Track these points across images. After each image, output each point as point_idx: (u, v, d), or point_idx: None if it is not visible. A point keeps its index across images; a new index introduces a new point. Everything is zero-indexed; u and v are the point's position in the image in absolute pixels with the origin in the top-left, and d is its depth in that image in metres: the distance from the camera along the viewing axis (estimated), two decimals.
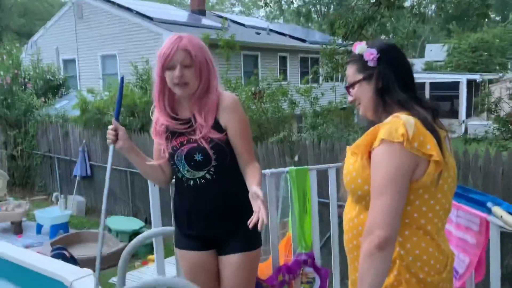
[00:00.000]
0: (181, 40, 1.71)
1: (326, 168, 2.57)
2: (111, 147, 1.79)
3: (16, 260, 3.29)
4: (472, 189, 1.99)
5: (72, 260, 4.88)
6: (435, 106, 1.45)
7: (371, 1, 8.27)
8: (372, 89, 1.43)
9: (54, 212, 7.15)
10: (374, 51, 1.42)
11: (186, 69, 1.70)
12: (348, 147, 1.51)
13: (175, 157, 1.78)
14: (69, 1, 14.18)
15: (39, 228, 7.02)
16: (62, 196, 7.94)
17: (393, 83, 1.40)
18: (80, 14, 13.51)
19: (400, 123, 1.28)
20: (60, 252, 5.00)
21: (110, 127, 1.77)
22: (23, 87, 10.00)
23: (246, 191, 1.68)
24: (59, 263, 3.29)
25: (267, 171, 2.31)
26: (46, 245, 5.99)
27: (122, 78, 1.96)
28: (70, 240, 6.20)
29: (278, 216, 2.47)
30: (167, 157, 1.81)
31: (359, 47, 1.45)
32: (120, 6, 13.11)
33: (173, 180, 1.90)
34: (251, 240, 1.81)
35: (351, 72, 1.48)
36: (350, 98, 1.52)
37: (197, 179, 1.76)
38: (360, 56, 1.44)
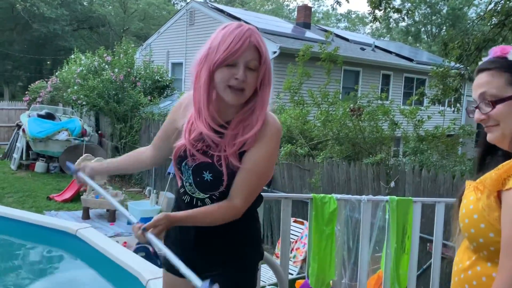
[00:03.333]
0: (252, 33, 1.35)
1: (433, 202, 2.24)
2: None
3: (101, 249, 3.38)
4: None
5: (155, 257, 4.98)
6: None
7: (493, 22, 7.56)
8: None
9: (145, 205, 7.46)
10: None
11: (249, 72, 1.35)
12: (468, 181, 1.21)
13: (182, 163, 1.46)
14: (183, 9, 15.02)
15: None
16: (154, 191, 8.29)
17: None
18: (192, 21, 14.22)
19: None
20: (145, 246, 5.13)
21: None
22: (133, 85, 10.70)
23: (248, 230, 1.46)
24: (141, 260, 3.33)
25: (363, 197, 2.06)
26: (133, 235, 6.21)
27: None
28: None
29: (371, 249, 2.19)
30: (172, 155, 1.50)
31: None
32: (229, 14, 13.56)
33: None
34: (232, 285, 1.46)
35: (497, 83, 1.14)
36: (480, 116, 1.17)
37: (195, 199, 1.47)
38: None
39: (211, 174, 1.41)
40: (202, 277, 1.53)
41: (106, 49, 12.00)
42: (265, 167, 1.42)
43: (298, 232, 5.49)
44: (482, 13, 8.17)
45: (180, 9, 16.38)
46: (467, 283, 1.13)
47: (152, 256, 4.84)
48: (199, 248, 1.48)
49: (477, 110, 1.17)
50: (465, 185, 1.22)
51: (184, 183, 1.48)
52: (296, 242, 5.49)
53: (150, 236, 1.33)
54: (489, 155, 1.25)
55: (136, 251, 4.71)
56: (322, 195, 2.07)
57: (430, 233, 3.35)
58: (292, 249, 5.51)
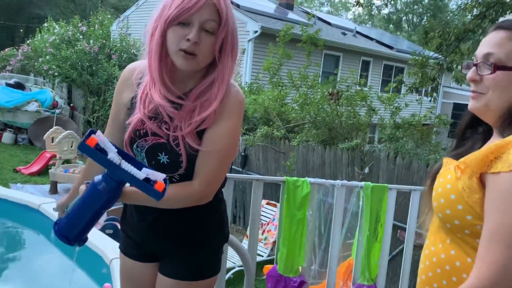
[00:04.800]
0: None
1: (409, 190, 2.19)
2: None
3: None
4: None
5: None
6: None
7: (474, 13, 7.59)
8: None
9: None
10: None
11: (205, 34, 1.18)
12: (446, 158, 1.12)
13: (134, 145, 1.30)
14: None
15: None
16: None
17: None
18: None
19: None
20: (113, 224, 5.01)
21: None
22: (108, 57, 10.36)
23: (211, 212, 1.34)
24: (107, 238, 3.21)
25: (338, 182, 1.99)
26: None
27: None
28: None
29: (342, 235, 2.14)
30: (125, 135, 1.31)
31: None
32: None
33: None
34: (193, 269, 1.37)
35: (509, 49, 1.02)
36: (475, 76, 1.06)
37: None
38: None
39: (167, 156, 1.26)
40: (162, 262, 1.43)
41: (82, 19, 11.55)
42: (228, 147, 1.27)
43: (271, 214, 5.45)
44: (462, 5, 8.20)
45: None
46: (440, 268, 1.05)
47: (119, 232, 4.72)
48: (158, 233, 1.37)
49: (474, 68, 1.06)
50: (442, 162, 1.14)
51: None
52: (268, 224, 5.45)
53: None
54: (469, 130, 1.17)
55: (104, 228, 4.58)
56: (295, 178, 2.00)
57: (402, 221, 3.35)
58: (264, 231, 5.48)
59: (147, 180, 1.11)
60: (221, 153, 1.25)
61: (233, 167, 6.91)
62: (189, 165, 1.26)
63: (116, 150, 1.10)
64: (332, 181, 2.04)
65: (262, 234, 5.47)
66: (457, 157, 1.11)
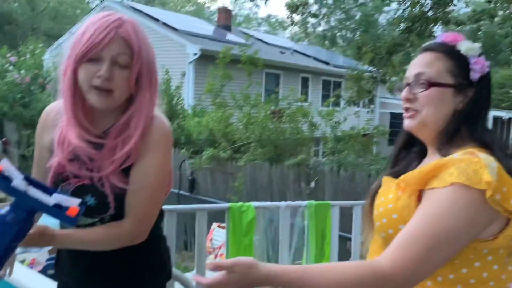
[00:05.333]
0: (123, 23, 1.14)
1: (350, 205, 2.24)
2: None
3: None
4: None
5: None
6: (508, 146, 1.09)
7: (401, 28, 8.06)
8: (453, 106, 1.06)
9: None
10: (488, 63, 1.07)
11: (118, 69, 1.14)
12: (386, 178, 1.15)
13: (58, 190, 1.21)
14: (98, 7, 14.29)
15: None
16: None
17: (482, 113, 1.06)
18: None
19: (480, 164, 0.94)
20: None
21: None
22: (42, 87, 9.93)
23: (149, 252, 1.29)
24: (44, 281, 3.01)
25: (282, 203, 2.00)
26: (44, 251, 5.73)
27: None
28: None
29: (291, 257, 2.14)
30: (48, 179, 1.23)
31: (469, 46, 1.07)
32: (147, 15, 13.12)
33: None
34: None
35: (438, 67, 1.07)
36: (408, 95, 1.09)
37: (83, 226, 1.23)
38: (462, 57, 1.06)
39: (94, 198, 1.18)
40: None
41: (12, 49, 11.03)
42: (157, 182, 1.21)
43: (222, 237, 5.39)
44: (391, 20, 8.68)
45: (94, 8, 15.57)
46: None
47: None
48: (94, 278, 1.29)
49: (407, 88, 1.10)
50: (381, 181, 1.18)
51: None
52: (220, 247, 5.38)
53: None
54: (405, 150, 1.21)
55: (45, 269, 4.31)
56: (239, 204, 1.98)
57: (350, 231, 3.42)
58: (216, 256, 5.40)
59: (58, 206, 1.05)
60: (150, 189, 1.20)
61: (181, 192, 6.80)
62: (118, 204, 1.19)
63: (22, 176, 1.04)
64: (276, 203, 2.05)
65: (215, 258, 5.39)
66: (395, 175, 1.14)
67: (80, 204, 1.07)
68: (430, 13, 7.66)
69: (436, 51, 1.09)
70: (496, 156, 0.99)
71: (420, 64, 1.10)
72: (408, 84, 1.10)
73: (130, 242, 1.22)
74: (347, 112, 7.52)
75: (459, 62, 1.07)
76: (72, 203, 1.06)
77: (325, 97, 14.26)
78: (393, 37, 8.21)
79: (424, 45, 1.14)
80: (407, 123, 1.12)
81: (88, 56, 1.12)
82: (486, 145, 1.02)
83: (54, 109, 1.29)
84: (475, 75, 1.06)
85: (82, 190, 1.20)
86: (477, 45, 1.08)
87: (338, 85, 14.88)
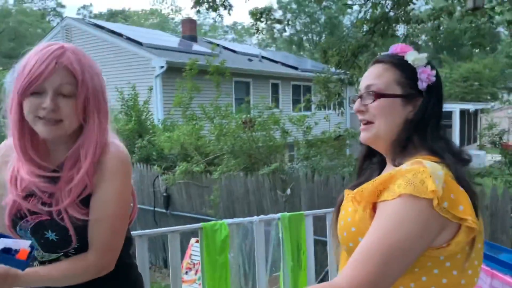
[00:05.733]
0: (64, 52, 1.12)
1: (324, 213, 2.24)
2: None
3: None
4: (500, 247, 1.65)
5: None
6: (464, 152, 1.09)
7: (364, 29, 8.20)
8: (404, 116, 1.07)
9: None
10: (433, 73, 1.08)
11: (63, 99, 1.12)
12: (347, 190, 1.16)
13: (17, 228, 1.19)
14: (58, 26, 14.01)
15: None
16: None
17: (433, 122, 1.07)
18: (69, 39, 13.28)
19: (426, 173, 0.94)
20: None
21: None
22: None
23: (121, 282, 1.26)
24: None
25: (255, 218, 1.97)
26: None
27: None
28: None
29: (268, 271, 2.11)
30: (5, 223, 1.19)
31: (415, 57, 1.09)
32: (110, 31, 12.94)
33: None
34: None
35: (386, 78, 1.09)
36: (360, 106, 1.11)
37: (47, 263, 1.21)
38: (410, 67, 1.08)
39: (55, 233, 1.16)
40: None
41: None
42: (118, 210, 1.18)
43: None
44: (355, 21, 8.83)
45: (55, 27, 15.26)
46: None
47: None
48: None
49: (358, 100, 1.12)
50: (344, 194, 1.18)
51: None
52: (199, 263, 5.31)
53: None
54: (367, 160, 1.22)
55: None
56: (212, 222, 1.95)
57: (326, 235, 3.42)
58: (197, 271, 5.32)
59: (7, 250, 1.01)
60: (111, 219, 1.17)
61: (156, 209, 6.67)
62: (80, 237, 1.16)
63: None
64: (250, 218, 2.02)
65: (196, 274, 5.31)
66: (356, 188, 1.14)
67: (31, 246, 1.03)
68: (391, 13, 7.84)
69: (385, 63, 1.11)
70: (446, 163, 1.00)
71: (371, 76, 1.12)
72: (360, 96, 1.12)
73: (97, 274, 1.18)
74: (317, 117, 7.57)
75: (407, 72, 1.09)
76: (22, 246, 1.02)
77: (295, 102, 14.37)
78: (357, 39, 8.35)
79: (374, 58, 1.16)
80: (362, 136, 1.14)
81: (31, 89, 1.09)
82: (436, 153, 1.03)
83: (5, 145, 1.25)
84: (422, 85, 1.07)
85: (41, 226, 1.16)
86: (424, 55, 1.09)
87: (308, 89, 15.01)
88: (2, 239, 1.02)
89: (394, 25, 8.01)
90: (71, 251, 1.19)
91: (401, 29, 9.33)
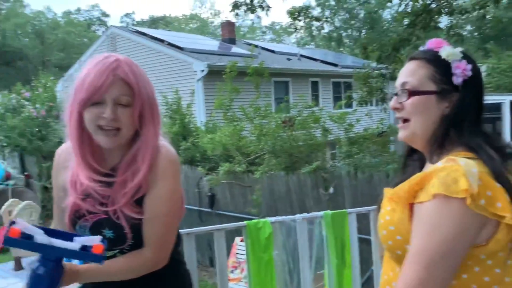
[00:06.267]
0: (119, 65, 1.20)
1: (367, 211, 2.23)
2: None
3: None
4: None
5: None
6: (506, 146, 1.07)
7: (405, 23, 8.00)
8: (440, 113, 1.06)
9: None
10: (470, 67, 1.07)
11: (121, 109, 1.20)
12: (386, 189, 1.15)
13: (77, 226, 1.29)
14: (104, 35, 14.58)
15: None
16: None
17: (470, 117, 1.06)
18: (114, 47, 13.80)
19: (460, 172, 0.93)
20: None
21: None
22: (57, 118, 10.15)
23: (169, 278, 1.33)
24: None
25: (298, 216, 2.00)
26: None
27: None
28: None
29: (312, 268, 2.14)
30: (65, 222, 1.30)
31: (449, 51, 1.07)
32: (152, 37, 13.32)
33: None
34: None
35: (420, 75, 1.09)
36: (395, 104, 1.12)
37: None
38: (444, 62, 1.07)
39: (111, 231, 1.25)
40: None
41: (26, 83, 11.33)
42: (171, 209, 1.27)
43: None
44: (395, 15, 8.63)
45: (100, 36, 15.89)
46: None
47: None
48: None
49: (394, 97, 1.13)
50: (384, 192, 1.19)
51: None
52: (245, 262, 5.38)
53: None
54: (410, 157, 1.22)
55: None
56: (255, 220, 2.00)
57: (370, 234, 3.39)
58: (243, 270, 5.39)
59: (84, 248, 1.09)
60: (165, 216, 1.25)
61: (201, 209, 6.83)
62: (135, 234, 1.25)
63: (42, 231, 1.09)
64: (292, 217, 2.05)
65: (241, 272, 5.38)
66: (398, 185, 1.15)
67: (102, 240, 1.12)
68: (433, 5, 7.61)
69: (419, 59, 1.11)
70: (483, 160, 0.99)
71: (405, 73, 1.12)
72: (396, 94, 1.13)
73: (153, 269, 1.27)
74: (358, 114, 7.47)
75: (441, 68, 1.08)
76: (95, 241, 1.11)
77: (336, 99, 14.23)
78: (398, 32, 8.16)
79: (410, 54, 1.16)
80: (400, 134, 1.14)
81: (92, 100, 1.19)
82: (472, 149, 1.02)
83: (64, 150, 1.35)
84: (457, 80, 1.06)
85: (99, 224, 1.26)
86: (458, 49, 1.08)
87: (348, 86, 14.82)
88: (76, 238, 1.11)
89: (436, 17, 7.76)
90: (126, 248, 1.27)
91: (444, 21, 9.04)
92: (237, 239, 5.42)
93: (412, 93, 1.07)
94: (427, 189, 0.97)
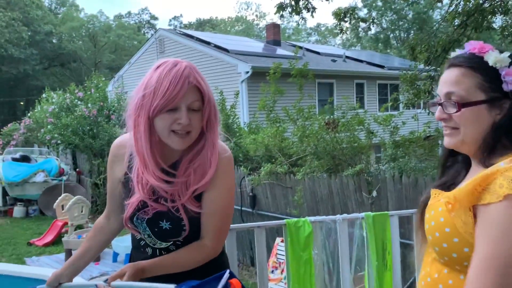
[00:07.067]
0: (190, 72, 1.25)
1: (410, 214, 2.19)
2: None
3: None
4: None
5: None
6: None
7: (456, 23, 7.73)
8: (491, 121, 1.03)
9: (130, 241, 7.26)
10: None
11: (193, 113, 1.26)
12: (434, 190, 1.13)
13: (134, 218, 1.36)
14: (152, 37, 15.04)
15: (115, 256, 7.15)
16: None
17: None
18: (162, 49, 14.22)
19: None
20: None
21: None
22: (108, 118, 10.57)
23: (214, 267, 1.37)
24: None
25: (338, 216, 2.00)
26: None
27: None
28: None
29: (352, 269, 2.12)
30: (126, 212, 1.37)
31: (497, 57, 1.02)
32: (199, 39, 13.61)
33: None
34: None
35: (467, 84, 1.03)
36: (442, 115, 1.07)
37: (158, 250, 1.37)
38: (491, 69, 1.02)
39: (168, 223, 1.32)
40: None
41: (79, 84, 11.89)
42: (228, 204, 1.37)
43: None
44: (445, 15, 8.34)
45: (149, 38, 16.38)
46: None
47: None
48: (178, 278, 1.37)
49: (440, 107, 1.08)
50: (430, 193, 1.16)
51: (143, 235, 1.38)
52: (285, 262, 5.39)
53: (116, 283, 1.20)
54: (450, 158, 1.19)
55: None
56: (295, 219, 2.01)
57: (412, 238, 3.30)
58: (283, 271, 5.40)
59: None
60: (223, 209, 1.35)
61: (243, 208, 6.90)
62: (192, 227, 1.32)
63: None
64: (332, 217, 2.05)
65: (282, 273, 5.39)
66: (443, 187, 1.13)
67: (230, 273, 1.26)
68: (486, 4, 7.30)
69: (462, 67, 1.05)
70: None
71: (448, 82, 1.07)
72: (440, 104, 1.08)
73: (209, 257, 1.36)
74: (405, 117, 7.29)
75: (489, 75, 1.02)
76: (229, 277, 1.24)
77: (382, 101, 13.94)
78: (448, 33, 7.90)
79: (449, 60, 1.10)
80: (446, 142, 1.11)
81: (167, 108, 1.23)
82: None
83: (124, 145, 1.41)
84: (508, 87, 1.01)
85: (158, 217, 1.33)
86: (506, 54, 1.03)
87: (395, 88, 14.47)
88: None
89: (489, 16, 7.44)
90: (180, 240, 1.35)
91: (497, 21, 8.64)
92: (278, 240, 5.44)
93: (462, 105, 1.03)
94: (493, 189, 0.93)
